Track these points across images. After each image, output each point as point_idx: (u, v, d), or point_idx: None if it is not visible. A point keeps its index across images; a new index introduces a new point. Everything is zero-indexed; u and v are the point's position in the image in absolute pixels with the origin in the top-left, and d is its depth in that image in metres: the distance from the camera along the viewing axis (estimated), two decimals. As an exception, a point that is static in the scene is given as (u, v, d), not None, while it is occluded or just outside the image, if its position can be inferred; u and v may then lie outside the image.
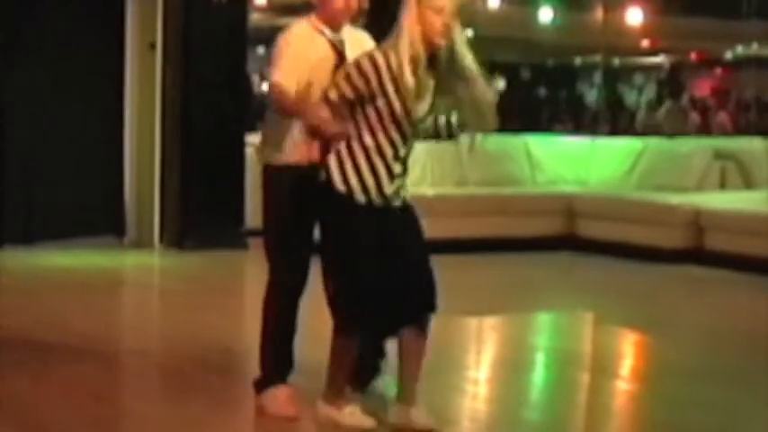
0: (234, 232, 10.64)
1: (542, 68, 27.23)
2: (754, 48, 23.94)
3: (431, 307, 5.15)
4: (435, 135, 5.15)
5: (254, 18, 16.10)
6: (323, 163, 5.00)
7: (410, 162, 5.09)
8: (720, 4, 20.85)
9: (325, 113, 4.91)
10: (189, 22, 10.59)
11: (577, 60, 27.12)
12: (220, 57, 10.53)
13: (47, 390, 5.61)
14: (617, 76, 27.17)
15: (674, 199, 10.78)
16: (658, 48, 25.63)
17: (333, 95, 4.91)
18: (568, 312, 8.72)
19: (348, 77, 4.90)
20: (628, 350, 7.68)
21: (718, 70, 27.09)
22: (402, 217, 5.07)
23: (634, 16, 20.74)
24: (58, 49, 10.26)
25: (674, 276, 10.04)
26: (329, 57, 5.13)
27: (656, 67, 27.06)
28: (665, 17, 21.32)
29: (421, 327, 5.16)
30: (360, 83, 4.87)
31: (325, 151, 5.05)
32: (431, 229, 10.43)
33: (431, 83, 4.95)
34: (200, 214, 10.53)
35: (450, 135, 5.17)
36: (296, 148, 5.16)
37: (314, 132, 5.00)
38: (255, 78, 21.66)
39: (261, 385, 5.35)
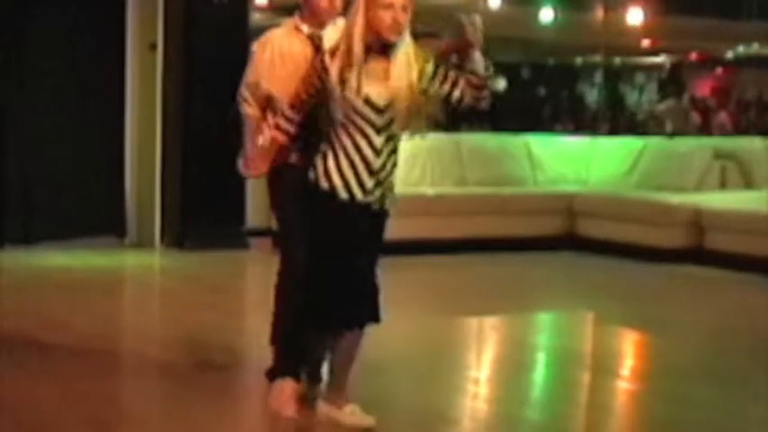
0: (235, 232, 10.65)
1: (543, 68, 27.21)
2: (755, 47, 23.94)
3: (376, 318, 5.11)
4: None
5: (255, 18, 16.08)
6: (309, 163, 5.06)
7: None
8: (721, 3, 20.83)
9: (256, 151, 5.17)
10: (190, 23, 10.60)
11: (578, 60, 27.11)
12: (221, 57, 10.52)
13: (47, 390, 5.61)
14: (618, 76, 27.16)
15: (675, 199, 10.78)
16: (659, 47, 25.62)
17: (302, 95, 5.04)
18: (568, 312, 8.73)
19: (305, 80, 5.02)
20: (628, 350, 7.68)
21: (719, 70, 27.08)
22: (377, 222, 5.09)
23: (635, 16, 20.71)
24: (58, 50, 10.25)
25: (674, 276, 10.05)
26: (306, 53, 5.23)
27: (657, 67, 27.07)
28: (665, 17, 21.30)
29: (361, 327, 5.17)
30: (315, 84, 4.97)
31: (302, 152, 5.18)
32: (431, 228, 10.60)
33: (396, 68, 4.93)
34: (201, 214, 10.53)
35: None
36: (290, 152, 5.25)
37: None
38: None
39: (272, 374, 5.39)
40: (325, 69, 4.93)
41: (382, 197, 5.04)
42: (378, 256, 5.14)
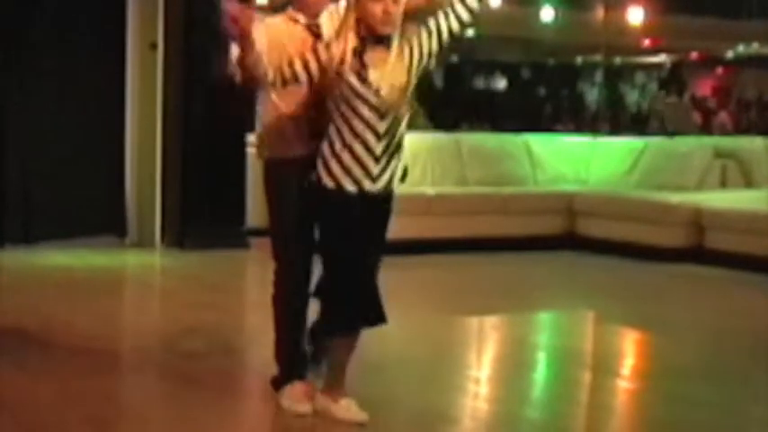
0: (235, 232, 10.64)
1: (543, 67, 27.23)
2: (755, 47, 23.96)
3: (383, 320, 5.12)
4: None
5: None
6: (312, 157, 5.03)
7: (408, 155, 5.11)
8: (721, 3, 20.87)
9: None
10: (190, 23, 10.60)
11: (578, 59, 27.12)
12: (221, 56, 10.52)
13: (47, 389, 5.61)
14: (618, 76, 27.18)
15: (675, 198, 10.78)
16: (659, 47, 25.64)
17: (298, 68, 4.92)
18: (569, 311, 8.72)
19: (303, 60, 4.93)
20: (628, 349, 7.68)
21: (719, 69, 27.11)
22: (384, 210, 5.09)
23: (635, 15, 20.75)
24: (58, 49, 10.25)
25: (674, 275, 10.05)
26: (306, 39, 5.19)
27: (657, 67, 27.08)
28: (665, 16, 21.33)
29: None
30: (313, 66, 4.91)
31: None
32: (431, 228, 10.59)
33: (394, 57, 4.93)
34: (202, 214, 10.53)
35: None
36: (293, 142, 5.19)
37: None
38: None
39: (278, 383, 5.38)
40: (318, 59, 4.89)
41: (390, 180, 5.03)
42: (383, 246, 5.13)
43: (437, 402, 5.63)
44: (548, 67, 27.25)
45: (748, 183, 11.63)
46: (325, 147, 4.98)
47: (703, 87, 26.80)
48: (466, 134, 13.63)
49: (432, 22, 5.01)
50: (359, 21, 4.90)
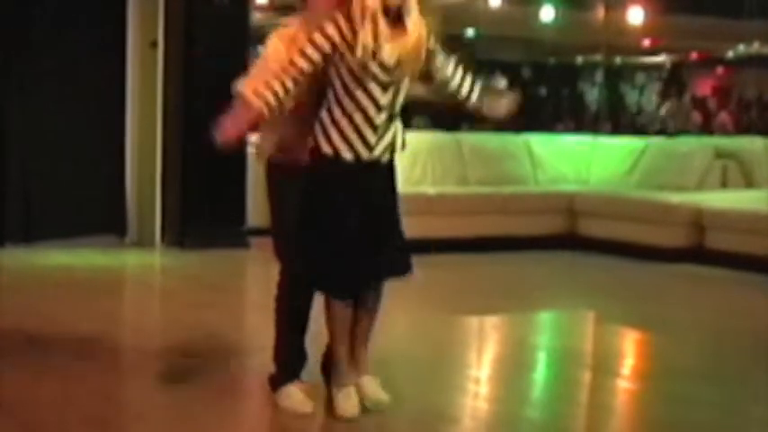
0: (235, 231, 10.64)
1: (544, 67, 27.21)
2: (756, 47, 23.93)
3: (408, 267, 5.16)
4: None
5: (256, 17, 16.09)
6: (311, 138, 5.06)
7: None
8: (722, 3, 20.85)
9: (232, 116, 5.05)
10: (190, 21, 10.59)
11: (579, 59, 27.12)
12: (222, 56, 10.52)
13: (47, 389, 5.61)
14: (618, 75, 27.17)
15: (675, 198, 10.78)
16: (660, 47, 25.63)
17: (299, 64, 4.91)
18: (569, 311, 8.72)
19: (303, 53, 4.91)
20: (628, 349, 7.68)
21: (720, 69, 27.09)
22: (387, 176, 5.11)
23: (635, 15, 20.72)
24: (59, 48, 10.25)
25: (674, 275, 10.05)
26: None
27: (658, 67, 27.07)
28: (666, 16, 21.31)
29: (378, 291, 5.18)
30: (316, 56, 4.89)
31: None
32: (432, 227, 10.59)
33: (406, 29, 4.95)
34: (202, 213, 10.53)
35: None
36: (294, 144, 5.18)
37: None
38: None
39: (276, 383, 5.37)
40: (327, 36, 4.87)
41: (387, 149, 5.06)
42: (396, 206, 5.14)
43: (437, 402, 5.62)
44: (548, 66, 27.24)
45: (749, 183, 11.63)
46: (324, 114, 5.00)
47: (703, 87, 26.79)
48: (467, 134, 13.62)
49: (443, 56, 5.09)
50: None
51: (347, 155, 4.98)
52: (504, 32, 22.81)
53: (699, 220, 10.54)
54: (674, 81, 25.75)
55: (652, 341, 7.69)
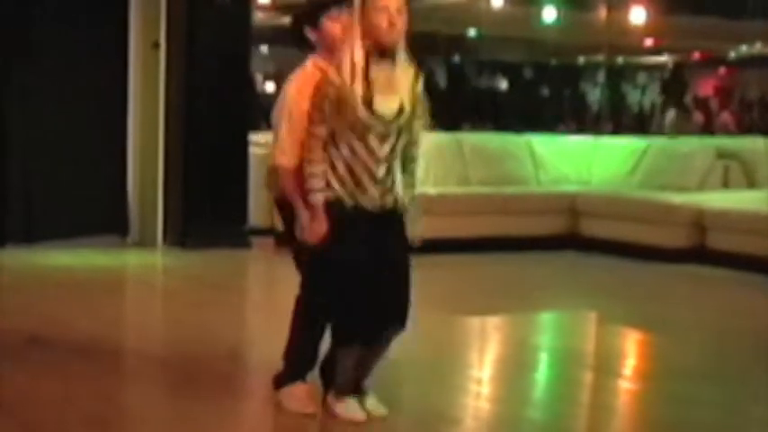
0: (237, 231, 10.64)
1: (546, 68, 27.25)
2: (758, 47, 23.94)
3: (402, 324, 5.11)
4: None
5: (258, 17, 16.12)
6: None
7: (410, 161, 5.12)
8: (724, 3, 20.83)
9: (306, 218, 4.99)
10: (193, 22, 10.59)
11: (581, 59, 27.15)
12: (224, 56, 10.54)
13: (48, 389, 5.61)
14: (620, 76, 27.20)
15: (677, 198, 10.77)
16: (661, 47, 25.64)
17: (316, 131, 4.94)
18: (571, 311, 8.72)
19: (313, 122, 4.93)
20: (630, 349, 7.67)
21: (722, 70, 27.12)
22: (395, 227, 5.05)
23: (637, 15, 20.72)
24: (60, 49, 10.25)
25: (676, 275, 10.04)
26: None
27: (660, 67, 27.09)
28: (668, 16, 21.31)
29: (388, 338, 5.17)
30: (326, 116, 4.90)
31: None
32: (433, 228, 10.53)
33: (399, 73, 4.94)
34: (204, 213, 10.53)
35: None
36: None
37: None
38: (259, 77, 21.68)
39: (281, 381, 5.37)
40: (332, 84, 4.88)
41: (394, 201, 5.02)
42: (404, 258, 5.09)
43: (438, 402, 5.62)
44: (550, 67, 27.27)
45: (750, 183, 11.61)
46: (327, 163, 4.97)
47: (705, 87, 26.81)
48: (468, 134, 13.63)
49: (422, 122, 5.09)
50: (364, 34, 4.88)
51: (348, 201, 4.96)
52: (507, 33, 22.83)
53: (700, 221, 10.53)
54: (675, 81, 25.76)
55: (654, 341, 7.69)
